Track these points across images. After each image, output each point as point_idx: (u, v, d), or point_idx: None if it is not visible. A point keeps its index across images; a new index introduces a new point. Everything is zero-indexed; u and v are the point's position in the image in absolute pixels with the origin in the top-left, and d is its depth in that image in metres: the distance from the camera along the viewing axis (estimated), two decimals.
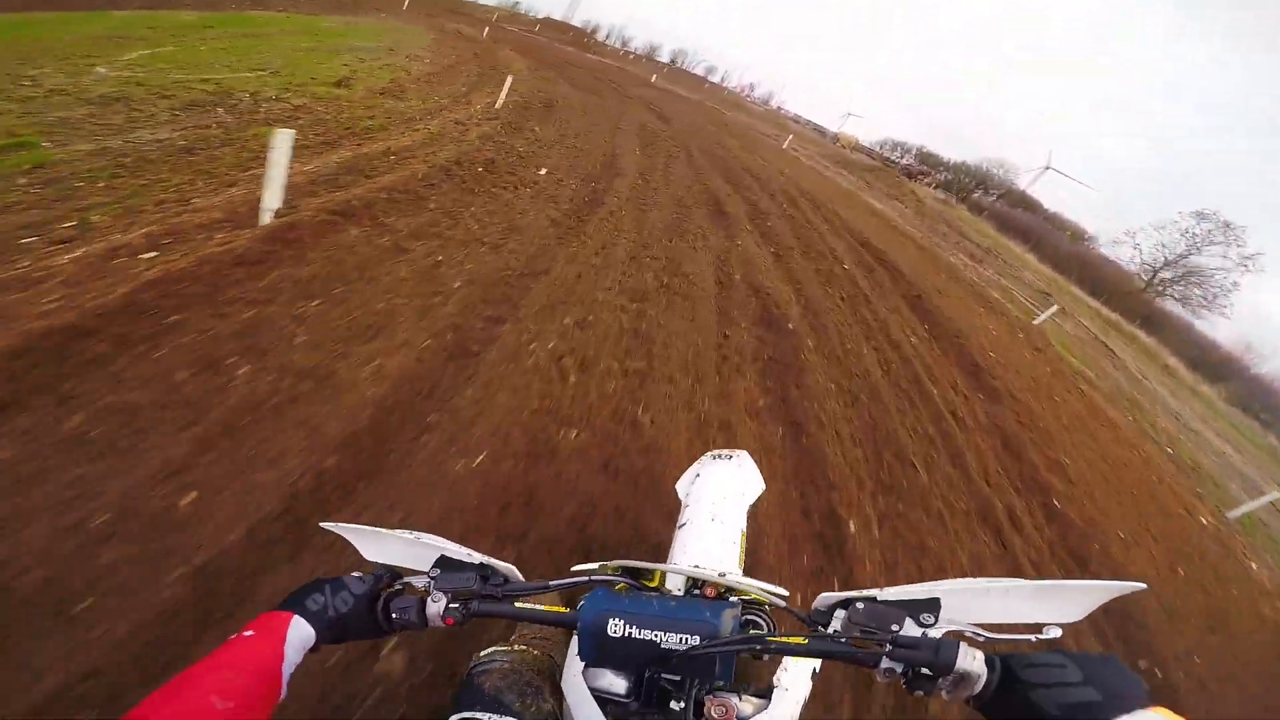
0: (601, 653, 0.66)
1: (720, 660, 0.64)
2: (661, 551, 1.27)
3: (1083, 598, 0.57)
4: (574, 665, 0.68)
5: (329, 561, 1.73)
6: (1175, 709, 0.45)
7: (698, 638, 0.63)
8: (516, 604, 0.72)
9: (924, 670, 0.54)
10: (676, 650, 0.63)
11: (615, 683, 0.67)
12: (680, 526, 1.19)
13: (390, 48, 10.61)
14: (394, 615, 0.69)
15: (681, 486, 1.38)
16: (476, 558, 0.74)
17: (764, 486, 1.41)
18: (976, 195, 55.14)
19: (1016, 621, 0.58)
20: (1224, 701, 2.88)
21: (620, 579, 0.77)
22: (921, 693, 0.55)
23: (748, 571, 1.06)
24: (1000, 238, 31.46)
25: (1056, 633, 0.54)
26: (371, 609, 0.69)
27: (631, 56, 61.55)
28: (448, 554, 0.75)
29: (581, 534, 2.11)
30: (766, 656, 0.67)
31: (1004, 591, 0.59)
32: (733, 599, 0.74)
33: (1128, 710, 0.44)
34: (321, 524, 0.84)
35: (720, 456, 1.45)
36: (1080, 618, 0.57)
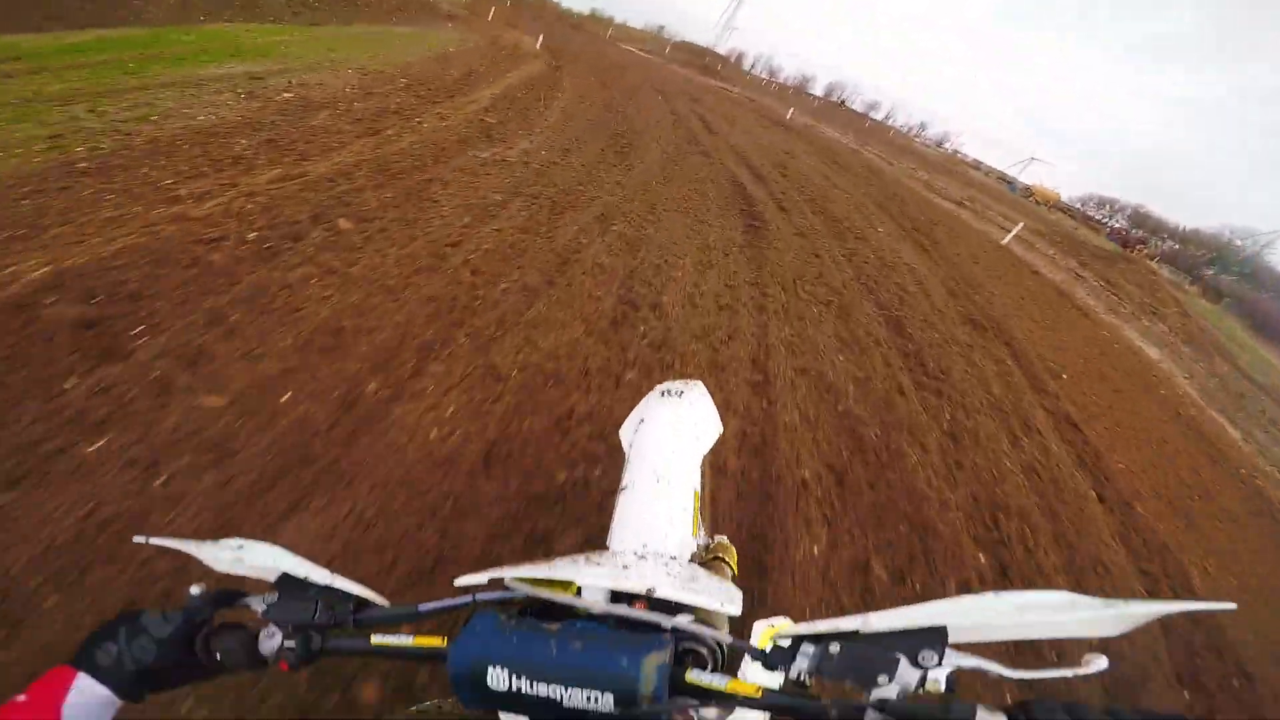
0: (484, 702, 0.50)
1: None
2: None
3: (1139, 615, 0.42)
4: None
5: None
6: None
7: (610, 695, 0.47)
8: (374, 639, 0.57)
9: None
10: (582, 712, 0.47)
11: None
12: (622, 489, 0.98)
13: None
14: (217, 655, 0.56)
15: (625, 433, 1.16)
16: (321, 576, 0.59)
17: (721, 428, 1.21)
18: (1212, 272, 41.56)
19: (1043, 638, 0.46)
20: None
21: (519, 595, 0.58)
22: None
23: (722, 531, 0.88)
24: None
25: (1101, 665, 0.42)
26: (188, 649, 0.56)
27: (775, 87, 57.25)
28: (286, 570, 0.60)
29: None
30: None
31: (1023, 608, 0.44)
32: (665, 629, 0.54)
33: None
34: (135, 538, 0.63)
35: (670, 394, 1.21)
36: (1120, 634, 0.43)
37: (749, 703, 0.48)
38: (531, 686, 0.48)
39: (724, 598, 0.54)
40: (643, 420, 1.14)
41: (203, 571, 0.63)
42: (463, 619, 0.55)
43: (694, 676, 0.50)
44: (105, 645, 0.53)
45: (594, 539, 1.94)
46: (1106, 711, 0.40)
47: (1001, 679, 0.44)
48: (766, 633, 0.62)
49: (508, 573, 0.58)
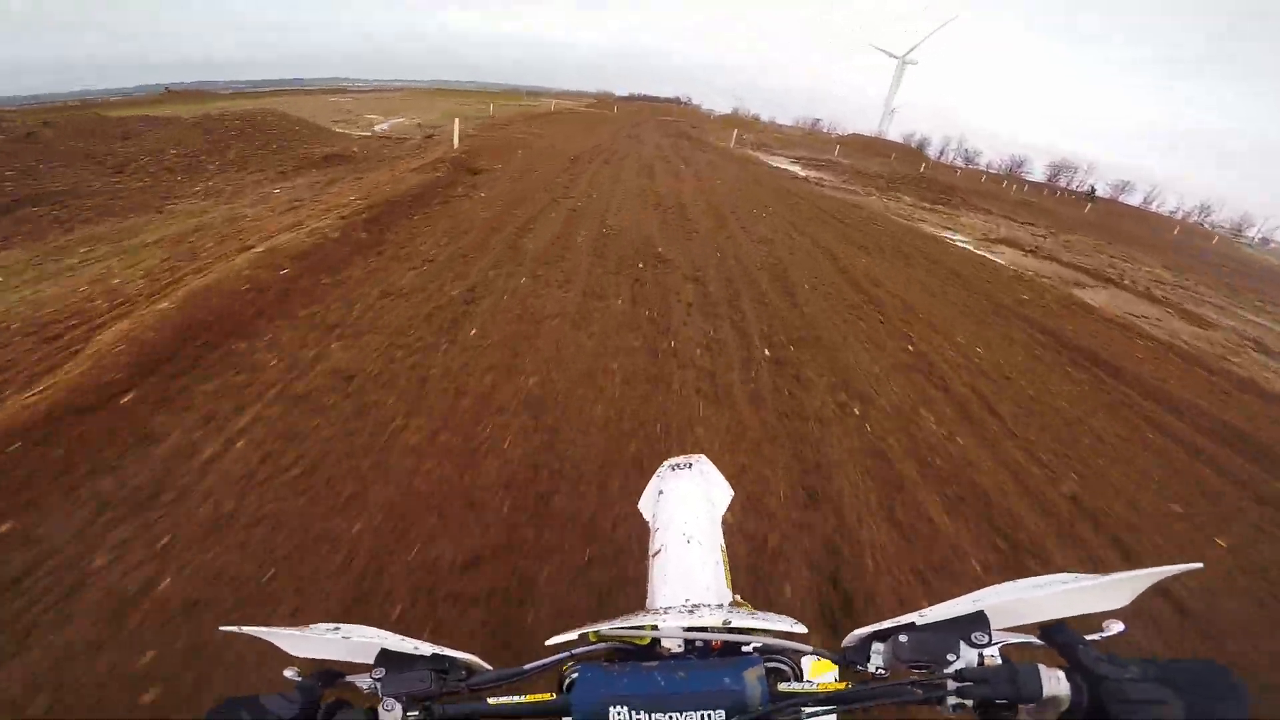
0: None
1: None
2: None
3: (1126, 586, 0.52)
4: None
5: None
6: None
7: (722, 712, 0.53)
8: (490, 700, 0.60)
9: (999, 701, 0.49)
10: None
11: None
12: (655, 554, 1.07)
13: None
14: None
15: (645, 507, 1.27)
16: (427, 649, 0.62)
17: (732, 492, 1.31)
18: None
19: (1066, 617, 0.54)
20: None
21: (604, 647, 0.67)
22: None
23: (737, 589, 0.98)
24: None
25: (1118, 628, 0.51)
26: None
27: (985, 178, 44.90)
28: (389, 647, 0.62)
29: None
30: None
31: (1046, 591, 0.54)
32: (750, 651, 0.63)
33: None
34: (221, 627, 0.68)
35: (680, 467, 1.32)
36: (1128, 602, 0.52)
37: (841, 697, 0.53)
38: (650, 717, 0.53)
39: (789, 622, 0.63)
40: (661, 492, 1.23)
41: (283, 656, 0.64)
42: (555, 678, 0.63)
43: (784, 687, 0.57)
44: None
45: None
46: (1141, 661, 0.46)
47: (1040, 646, 0.53)
48: (817, 666, 0.74)
49: (591, 629, 0.66)
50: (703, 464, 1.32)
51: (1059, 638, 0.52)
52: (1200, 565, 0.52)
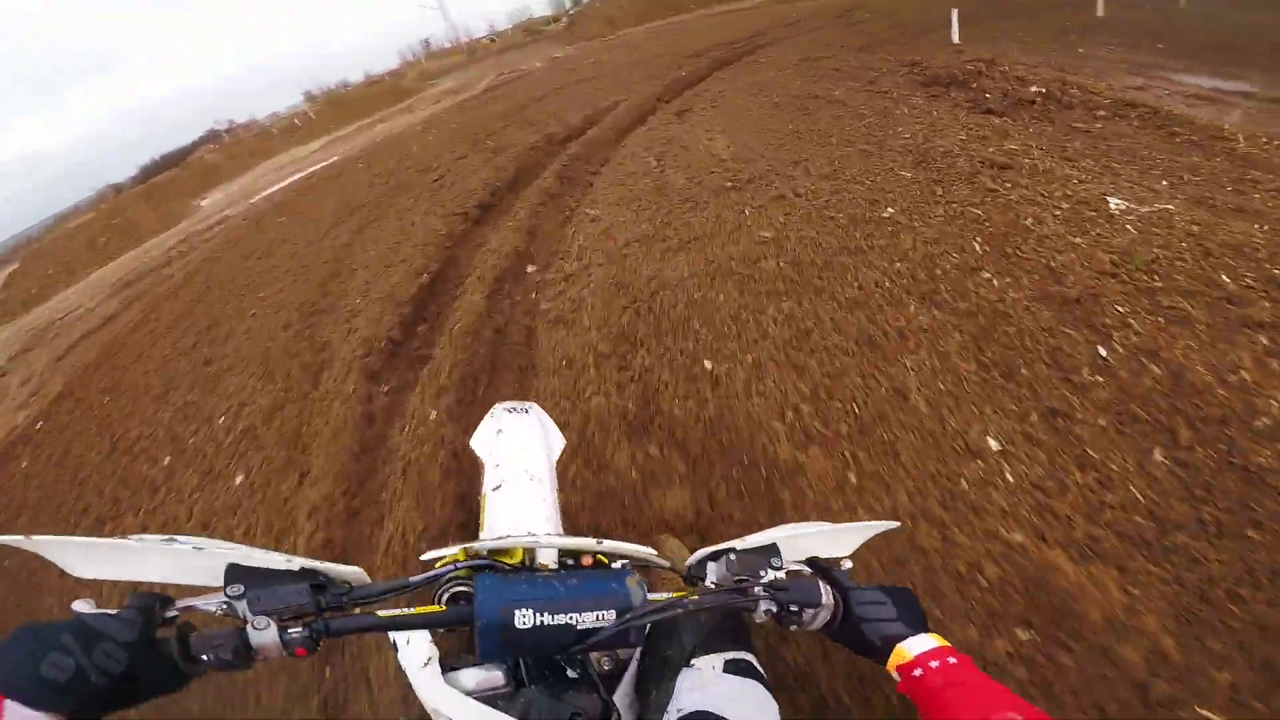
0: (505, 647, 0.58)
1: (635, 630, 0.61)
2: None
3: (853, 536, 0.82)
4: (427, 673, 0.66)
5: None
6: None
7: (613, 612, 0.59)
8: (381, 612, 0.58)
9: (792, 607, 0.65)
10: (597, 629, 0.58)
11: (487, 678, 0.68)
12: (495, 489, 1.09)
13: None
14: (204, 656, 0.50)
15: (480, 444, 1.26)
16: (296, 562, 0.57)
17: (564, 441, 1.36)
18: None
19: (821, 556, 0.75)
20: None
21: (480, 563, 0.67)
22: (794, 626, 0.66)
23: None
24: None
25: (849, 565, 0.72)
26: (156, 654, 0.48)
27: None
28: (239, 562, 0.55)
29: None
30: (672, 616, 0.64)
31: (810, 535, 0.77)
32: (621, 565, 0.70)
33: (916, 634, 0.61)
34: (2, 538, 0.50)
35: (515, 410, 1.34)
36: (851, 551, 0.79)
37: (699, 602, 0.65)
38: (553, 618, 0.57)
39: (646, 550, 0.72)
40: (500, 431, 1.27)
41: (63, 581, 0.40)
42: (434, 592, 0.64)
43: (651, 596, 0.64)
44: (50, 657, 0.42)
45: None
46: (867, 585, 0.67)
47: (809, 573, 0.72)
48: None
49: (475, 545, 0.68)
50: (538, 412, 1.37)
51: (821, 564, 0.72)
52: (898, 524, 0.86)
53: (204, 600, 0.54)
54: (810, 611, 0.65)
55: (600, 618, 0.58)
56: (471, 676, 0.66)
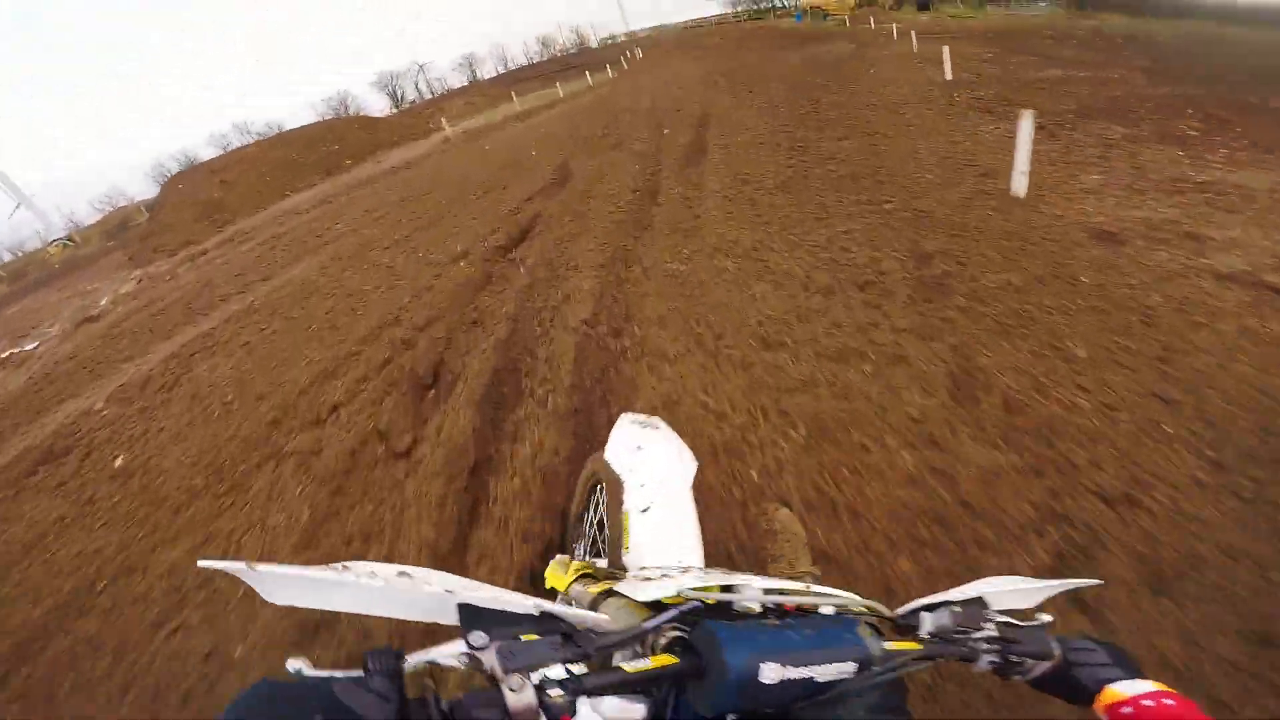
0: (742, 701, 0.52)
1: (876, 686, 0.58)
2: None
3: (1046, 591, 0.77)
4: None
5: None
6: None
7: (852, 664, 0.54)
8: (627, 666, 0.51)
9: (1013, 657, 0.64)
10: (838, 682, 0.54)
11: (628, 709, 0.54)
12: (643, 511, 1.05)
13: None
14: None
15: (618, 459, 1.20)
16: (530, 603, 0.51)
17: (697, 462, 1.27)
18: None
19: (1017, 608, 0.72)
20: None
21: (688, 606, 0.60)
22: (1016, 676, 0.65)
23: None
24: None
25: (1049, 619, 0.69)
26: None
27: None
28: (475, 601, 0.49)
29: None
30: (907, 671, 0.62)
31: (1007, 588, 0.73)
32: (848, 614, 0.65)
33: (1131, 679, 0.60)
34: (200, 562, 0.46)
35: (646, 425, 1.32)
36: (1037, 604, 0.76)
37: (929, 654, 0.62)
38: (798, 671, 0.52)
39: (867, 599, 0.68)
40: (640, 447, 1.23)
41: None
42: (654, 639, 0.57)
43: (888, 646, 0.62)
44: None
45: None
46: (1085, 638, 0.66)
47: (1016, 626, 0.68)
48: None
49: (687, 584, 0.64)
50: (667, 429, 1.34)
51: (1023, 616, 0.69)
52: (1100, 582, 0.83)
53: (443, 652, 0.46)
54: (1034, 662, 0.64)
55: (841, 671, 0.54)
56: (613, 705, 0.54)
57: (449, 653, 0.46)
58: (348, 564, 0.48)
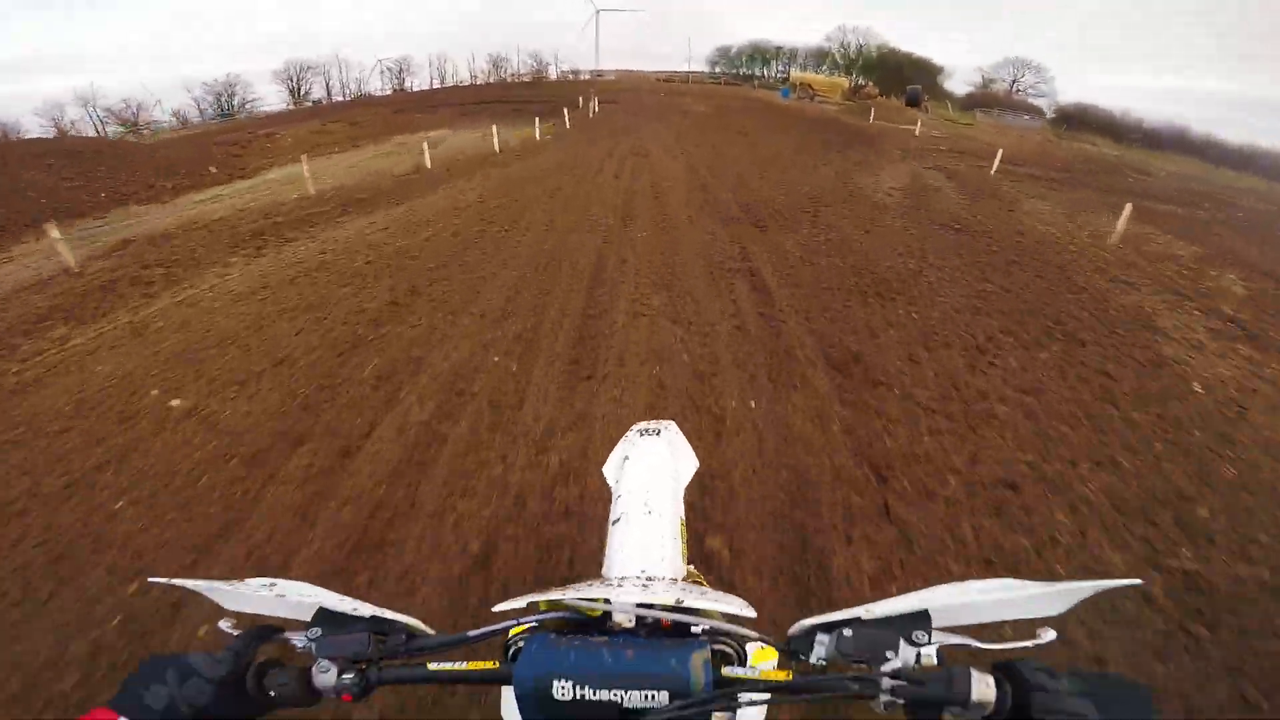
0: (543, 716, 0.54)
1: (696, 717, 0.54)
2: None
3: (1071, 594, 0.55)
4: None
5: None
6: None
7: (665, 693, 0.52)
8: (430, 665, 0.59)
9: (920, 699, 0.52)
10: (642, 710, 0.53)
11: None
12: (614, 522, 1.07)
13: None
14: (271, 692, 0.57)
15: (610, 471, 1.25)
16: (366, 609, 0.62)
17: (697, 464, 1.30)
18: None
19: (1003, 620, 0.58)
20: None
21: (555, 616, 0.65)
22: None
23: (691, 561, 1.01)
24: None
25: (1051, 636, 0.52)
26: (238, 689, 0.56)
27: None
28: (326, 605, 0.62)
29: None
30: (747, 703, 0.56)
31: (989, 595, 0.58)
32: (699, 634, 0.62)
33: None
34: (150, 579, 0.70)
35: (648, 432, 1.32)
36: (1064, 610, 0.55)
37: (783, 686, 0.54)
38: (594, 694, 0.52)
39: (739, 604, 0.62)
40: (627, 458, 1.23)
41: (214, 608, 0.65)
42: (500, 644, 0.63)
43: (728, 671, 0.57)
44: (152, 688, 0.51)
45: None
46: (1070, 672, 0.50)
47: (979, 652, 0.54)
48: (760, 653, 0.79)
49: (541, 597, 0.65)
50: (672, 432, 1.32)
51: (1002, 652, 0.53)
52: (1139, 581, 0.58)
53: (295, 635, 0.61)
54: (955, 710, 0.51)
55: (649, 698, 0.52)
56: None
57: (299, 639, 0.60)
58: (248, 580, 0.67)
